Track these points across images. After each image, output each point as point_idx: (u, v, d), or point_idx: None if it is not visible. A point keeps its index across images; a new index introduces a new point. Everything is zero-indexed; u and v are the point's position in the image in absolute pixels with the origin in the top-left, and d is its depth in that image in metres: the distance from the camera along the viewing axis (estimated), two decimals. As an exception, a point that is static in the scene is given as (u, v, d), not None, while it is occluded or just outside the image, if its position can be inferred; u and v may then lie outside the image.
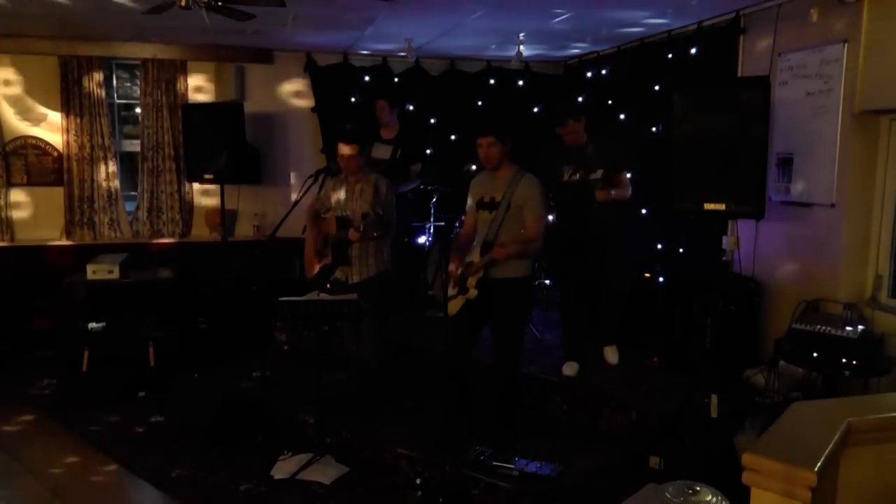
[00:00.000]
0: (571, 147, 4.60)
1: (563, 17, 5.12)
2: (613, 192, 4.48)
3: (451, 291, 3.87)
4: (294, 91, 6.94)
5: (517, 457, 3.69)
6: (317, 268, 4.46)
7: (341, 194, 4.47)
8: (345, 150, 4.35)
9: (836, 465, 1.87)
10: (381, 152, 5.85)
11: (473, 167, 3.99)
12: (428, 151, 6.63)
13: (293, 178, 6.99)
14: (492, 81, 7.18)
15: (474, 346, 4.03)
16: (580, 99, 6.65)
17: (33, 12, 5.10)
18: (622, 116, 6.13)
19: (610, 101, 6.34)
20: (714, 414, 3.71)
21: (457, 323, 3.87)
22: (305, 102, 6.95)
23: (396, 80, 7.00)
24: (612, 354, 4.80)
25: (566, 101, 6.33)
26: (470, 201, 4.04)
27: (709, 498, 1.68)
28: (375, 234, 4.15)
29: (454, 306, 3.85)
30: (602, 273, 4.68)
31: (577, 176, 4.55)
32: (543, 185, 3.91)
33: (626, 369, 4.74)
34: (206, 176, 6.09)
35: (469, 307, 3.81)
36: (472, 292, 3.77)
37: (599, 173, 4.51)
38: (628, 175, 4.57)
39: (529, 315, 5.59)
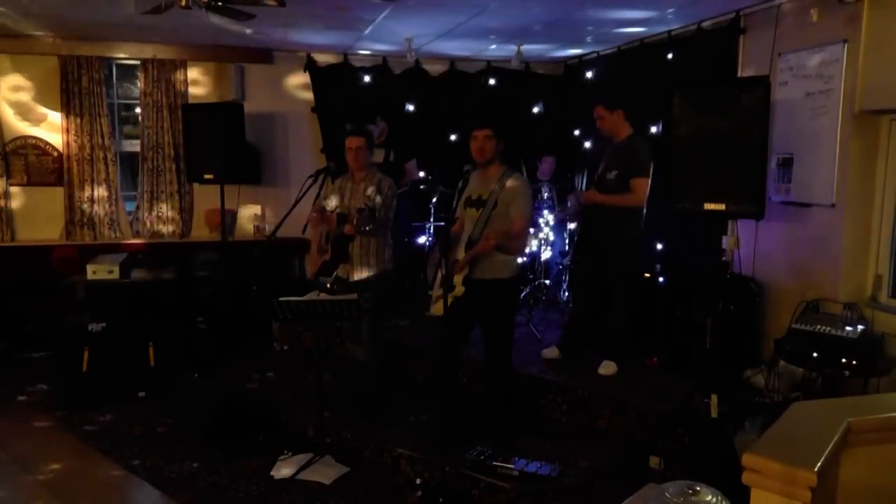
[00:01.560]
0: (613, 142, 4.60)
1: (565, 16, 5.13)
2: (601, 198, 4.40)
3: (436, 292, 3.87)
4: (294, 91, 6.94)
5: (517, 457, 3.69)
6: (318, 264, 4.46)
7: (346, 193, 4.48)
8: (353, 142, 4.37)
9: (836, 465, 1.87)
10: (375, 156, 5.88)
11: (470, 167, 3.95)
12: (421, 146, 6.62)
13: (293, 178, 6.99)
14: (492, 81, 7.18)
15: (464, 345, 4.01)
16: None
17: (34, 12, 5.11)
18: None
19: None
20: (714, 414, 3.71)
21: (445, 323, 3.84)
22: (305, 102, 6.95)
23: (396, 80, 7.01)
24: (604, 368, 4.63)
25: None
26: (459, 199, 4.02)
27: (709, 498, 1.68)
28: (367, 228, 4.16)
29: (440, 305, 3.84)
30: (605, 279, 4.61)
31: (601, 172, 4.54)
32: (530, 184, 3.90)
33: (626, 369, 4.74)
34: (206, 176, 6.08)
35: (457, 306, 3.78)
36: (459, 289, 3.74)
37: (614, 174, 4.47)
38: (641, 181, 4.39)
39: (529, 315, 5.62)
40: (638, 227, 4.56)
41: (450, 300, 3.77)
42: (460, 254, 3.82)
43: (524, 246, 3.91)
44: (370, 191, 4.30)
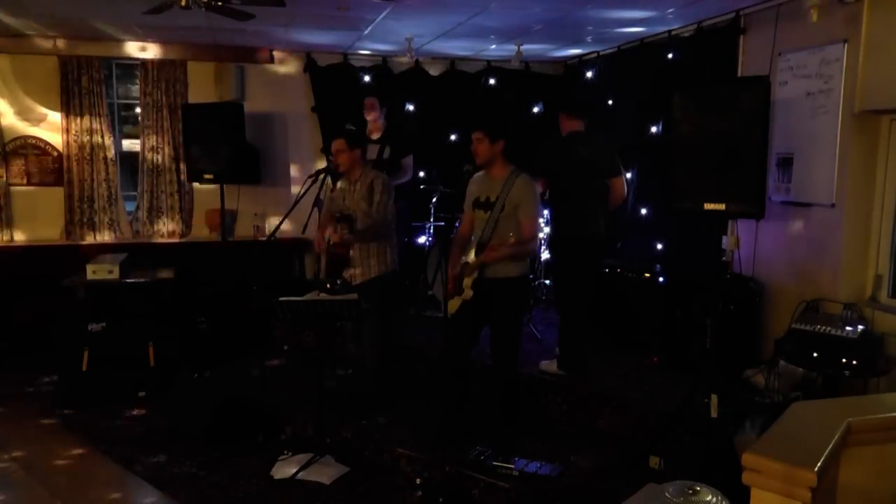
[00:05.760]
0: None
1: (565, 15, 5.14)
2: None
3: (446, 293, 3.88)
4: (294, 91, 6.94)
5: (517, 457, 3.69)
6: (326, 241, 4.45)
7: (344, 193, 4.49)
8: (333, 145, 4.43)
9: (836, 465, 1.88)
10: (369, 152, 5.88)
11: (470, 167, 3.97)
12: (417, 145, 6.61)
13: (293, 179, 7.00)
14: (492, 81, 7.18)
15: (473, 345, 4.02)
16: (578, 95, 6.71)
17: (33, 12, 5.11)
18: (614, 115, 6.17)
19: (610, 101, 6.35)
20: (714, 414, 3.70)
21: (455, 323, 3.86)
22: (305, 102, 6.96)
23: (396, 80, 7.01)
24: (547, 365, 4.69)
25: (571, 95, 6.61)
26: (467, 200, 4.04)
27: (709, 498, 1.68)
28: (347, 235, 4.23)
29: (451, 307, 3.85)
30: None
31: None
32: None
33: (626, 369, 4.74)
34: (206, 176, 6.09)
35: (467, 307, 3.80)
36: (468, 293, 3.76)
37: None
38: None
39: (529, 315, 5.62)
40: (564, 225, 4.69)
41: (458, 302, 3.79)
42: (471, 256, 3.82)
43: (533, 248, 3.92)
44: (365, 191, 4.32)
